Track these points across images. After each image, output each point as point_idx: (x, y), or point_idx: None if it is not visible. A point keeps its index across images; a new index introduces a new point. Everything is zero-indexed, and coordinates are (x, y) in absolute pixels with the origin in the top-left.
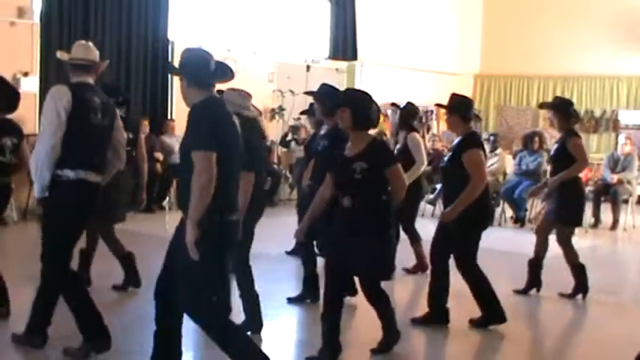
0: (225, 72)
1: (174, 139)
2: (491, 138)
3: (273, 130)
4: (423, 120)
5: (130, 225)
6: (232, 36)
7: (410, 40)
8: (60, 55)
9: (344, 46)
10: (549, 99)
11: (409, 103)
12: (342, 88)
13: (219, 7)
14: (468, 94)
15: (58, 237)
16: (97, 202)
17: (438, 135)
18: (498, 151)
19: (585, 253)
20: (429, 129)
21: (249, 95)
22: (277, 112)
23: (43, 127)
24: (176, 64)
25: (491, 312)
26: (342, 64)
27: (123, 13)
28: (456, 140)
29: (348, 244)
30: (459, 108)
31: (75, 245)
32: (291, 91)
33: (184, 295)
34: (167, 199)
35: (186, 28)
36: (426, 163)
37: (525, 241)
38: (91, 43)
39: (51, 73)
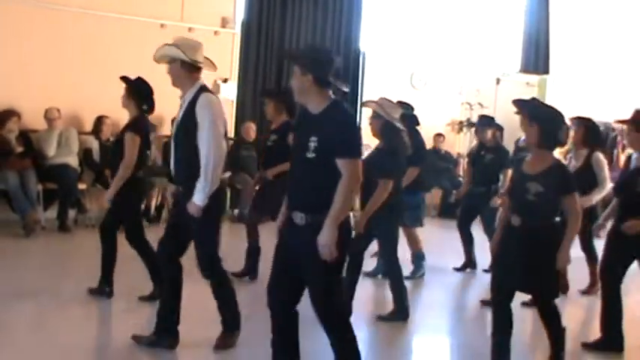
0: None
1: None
2: None
3: (460, 143)
4: (619, 139)
5: None
6: (421, 47)
7: (606, 55)
8: None
9: (536, 60)
10: None
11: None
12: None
13: (410, 19)
14: None
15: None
16: None
17: None
18: None
19: None
20: (624, 148)
21: (399, 107)
22: (465, 124)
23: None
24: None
25: None
26: (533, 78)
27: (317, 24)
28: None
29: (518, 262)
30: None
31: None
32: (480, 104)
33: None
34: None
35: (377, 39)
36: (609, 184)
37: None
38: None
39: (248, 79)
